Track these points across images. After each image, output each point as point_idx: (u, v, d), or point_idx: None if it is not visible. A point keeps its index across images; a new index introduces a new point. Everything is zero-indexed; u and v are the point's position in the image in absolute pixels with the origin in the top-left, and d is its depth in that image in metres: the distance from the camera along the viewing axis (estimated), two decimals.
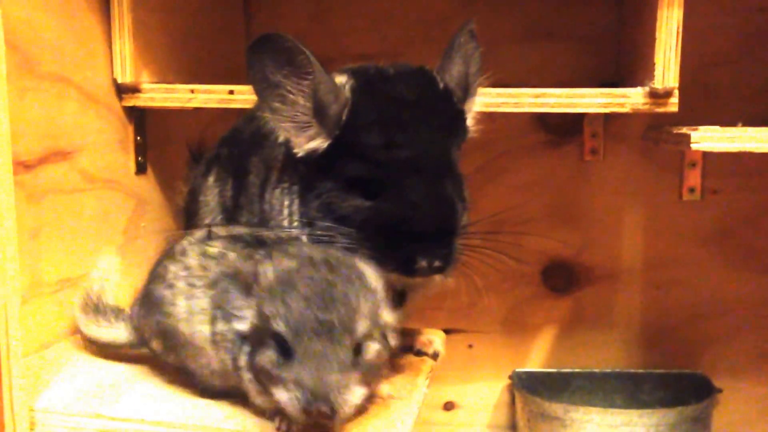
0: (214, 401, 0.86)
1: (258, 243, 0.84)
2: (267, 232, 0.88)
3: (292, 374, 0.71)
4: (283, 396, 0.72)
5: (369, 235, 0.81)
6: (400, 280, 0.86)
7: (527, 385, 1.46)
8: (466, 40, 0.90)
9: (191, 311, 0.82)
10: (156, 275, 0.88)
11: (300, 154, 0.85)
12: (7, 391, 0.81)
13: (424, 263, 0.81)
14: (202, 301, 0.81)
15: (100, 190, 1.11)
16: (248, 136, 0.99)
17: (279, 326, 0.72)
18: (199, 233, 0.90)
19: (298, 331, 0.71)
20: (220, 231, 0.89)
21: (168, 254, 0.89)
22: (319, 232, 0.83)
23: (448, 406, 1.56)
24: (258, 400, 0.78)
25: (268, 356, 0.73)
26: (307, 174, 0.86)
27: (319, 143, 0.84)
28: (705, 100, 1.38)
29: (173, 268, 0.86)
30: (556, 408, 1.35)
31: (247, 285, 0.77)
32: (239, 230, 0.89)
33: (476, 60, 0.91)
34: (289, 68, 0.82)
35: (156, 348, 0.90)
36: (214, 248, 0.84)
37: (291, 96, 0.83)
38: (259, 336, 0.75)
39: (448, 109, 0.88)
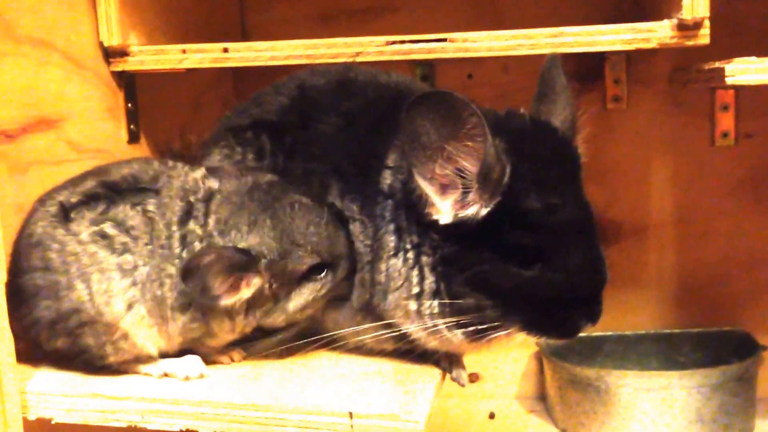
0: (215, 378, 0.85)
1: (114, 191, 0.86)
2: (114, 176, 0.87)
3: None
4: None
5: (531, 305, 0.78)
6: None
7: (556, 352, 1.38)
8: (564, 83, 0.86)
9: (102, 291, 0.82)
10: (28, 265, 0.85)
11: (444, 221, 0.78)
12: None
13: (589, 325, 0.79)
14: (118, 283, 0.82)
15: (90, 160, 1.05)
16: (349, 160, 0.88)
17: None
18: (51, 208, 0.87)
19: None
20: (72, 198, 0.86)
21: (31, 242, 0.86)
22: (464, 306, 0.78)
23: (473, 378, 1.49)
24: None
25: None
26: (442, 243, 0.79)
27: (477, 210, 0.77)
28: (733, 37, 1.29)
29: (53, 255, 0.83)
30: (589, 373, 1.28)
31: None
32: (86, 185, 0.87)
33: (573, 98, 0.87)
34: (456, 129, 0.74)
35: (37, 337, 0.86)
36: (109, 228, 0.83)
37: (454, 159, 0.76)
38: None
39: (577, 160, 0.84)
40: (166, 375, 0.85)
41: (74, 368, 0.86)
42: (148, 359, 0.86)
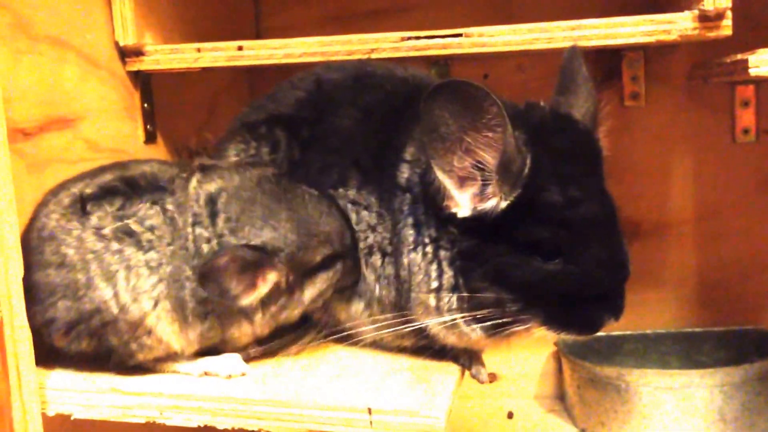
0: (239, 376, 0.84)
1: (132, 188, 0.84)
2: (133, 172, 0.86)
3: None
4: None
5: (551, 300, 0.76)
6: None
7: (574, 351, 1.37)
8: (585, 75, 0.85)
9: (129, 288, 0.80)
10: (40, 261, 0.83)
11: (462, 214, 0.77)
12: (15, 370, 0.78)
13: (612, 320, 0.78)
14: (146, 280, 0.80)
15: (107, 159, 1.04)
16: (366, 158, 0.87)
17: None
18: (66, 199, 0.85)
19: None
20: (88, 189, 0.85)
21: (43, 236, 0.84)
22: (483, 301, 0.77)
23: (491, 378, 1.48)
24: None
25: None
26: (461, 237, 0.78)
27: (496, 203, 0.76)
28: (752, 33, 1.27)
29: (68, 251, 0.82)
30: (609, 372, 1.26)
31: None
32: (104, 178, 0.86)
33: (593, 90, 0.86)
34: (476, 120, 0.73)
35: (50, 338, 0.84)
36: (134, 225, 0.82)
37: (473, 151, 0.75)
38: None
39: (598, 153, 0.82)
40: (206, 374, 0.83)
41: (106, 370, 0.84)
42: (184, 358, 0.84)
